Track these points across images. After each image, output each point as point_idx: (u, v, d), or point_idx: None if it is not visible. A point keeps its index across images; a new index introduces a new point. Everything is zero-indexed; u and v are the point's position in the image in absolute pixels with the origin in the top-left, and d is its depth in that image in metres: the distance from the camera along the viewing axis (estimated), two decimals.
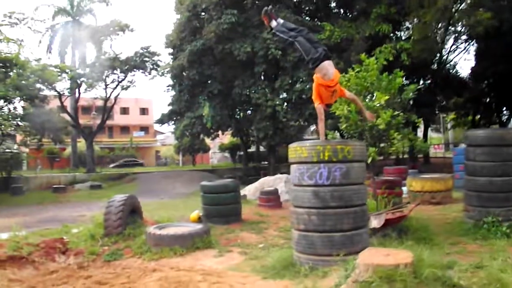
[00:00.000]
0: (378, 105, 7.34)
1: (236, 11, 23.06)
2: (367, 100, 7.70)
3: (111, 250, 7.53)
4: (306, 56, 5.57)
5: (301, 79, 23.49)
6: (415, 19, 19.30)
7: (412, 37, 20.65)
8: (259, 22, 23.68)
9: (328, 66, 5.47)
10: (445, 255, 6.00)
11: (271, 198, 13.41)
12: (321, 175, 5.16)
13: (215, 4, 23.37)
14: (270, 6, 5.98)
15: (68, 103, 32.79)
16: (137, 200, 9.13)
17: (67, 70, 28.66)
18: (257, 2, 23.74)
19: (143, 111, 60.60)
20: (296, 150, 5.42)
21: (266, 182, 17.89)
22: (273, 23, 5.88)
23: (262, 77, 25.06)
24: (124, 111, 56.46)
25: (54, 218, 14.48)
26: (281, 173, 21.89)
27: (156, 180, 27.96)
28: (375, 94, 7.52)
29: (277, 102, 23.53)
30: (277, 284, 5.05)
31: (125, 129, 57.95)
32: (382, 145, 7.84)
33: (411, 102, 8.38)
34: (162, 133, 62.94)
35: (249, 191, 16.86)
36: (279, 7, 23.40)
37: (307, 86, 22.79)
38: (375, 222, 6.58)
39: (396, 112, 7.36)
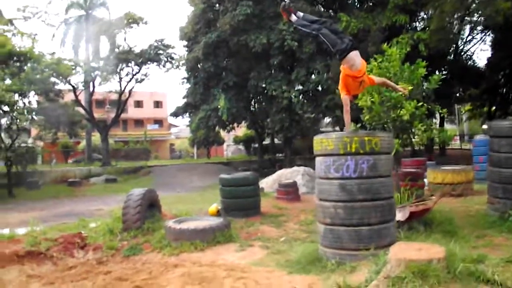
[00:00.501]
0: (401, 95, 7.19)
1: (251, 2, 22.87)
2: (388, 91, 7.53)
3: (130, 245, 7.50)
4: (332, 48, 5.42)
5: (317, 71, 23.30)
6: (432, 9, 18.90)
7: (429, 28, 20.29)
8: (274, 13, 23.53)
9: (355, 56, 5.34)
10: (472, 248, 5.88)
11: (290, 191, 13.30)
12: (348, 167, 5.06)
13: None
14: (287, 0, 5.79)
15: (82, 97, 32.95)
16: (155, 194, 9.11)
17: (81, 64, 28.78)
18: None
19: (157, 104, 60.73)
20: (322, 142, 5.31)
21: (284, 175, 17.80)
22: (293, 18, 5.70)
23: (278, 69, 24.85)
24: (138, 104, 56.66)
25: (70, 212, 14.59)
26: (297, 165, 21.83)
27: (172, 173, 28.00)
28: (398, 84, 7.35)
29: (293, 94, 23.38)
30: (304, 279, 4.95)
31: (139, 122, 58.17)
32: (405, 136, 7.71)
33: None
34: (176, 126, 63.05)
35: (267, 183, 16.79)
36: None
37: (324, 78, 22.62)
38: (399, 215, 6.47)
39: (420, 103, 7.21)
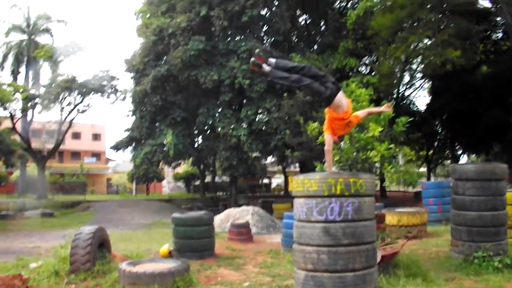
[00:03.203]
0: (371, 136, 7.14)
1: (204, 38, 22.83)
2: (357, 132, 7.47)
3: None
4: (317, 97, 5.18)
5: (266, 110, 23.39)
6: (382, 55, 19.72)
7: (375, 72, 21.12)
8: (226, 50, 23.60)
9: (341, 99, 5.13)
10: None
11: (243, 231, 12.93)
12: (332, 210, 4.78)
13: (183, 30, 23.06)
14: (257, 50, 5.32)
15: (19, 124, 31.09)
16: (105, 233, 8.40)
17: (20, 90, 27.26)
18: (225, 29, 23.61)
19: (96, 137, 58.68)
20: (303, 183, 5.02)
21: (232, 214, 17.37)
22: (266, 68, 5.23)
23: (227, 106, 24.72)
24: (76, 136, 54.42)
25: (5, 249, 13.24)
26: (240, 205, 21.48)
27: (112, 209, 26.69)
28: (368, 126, 7.30)
29: (242, 133, 23.21)
30: None
31: (76, 155, 55.74)
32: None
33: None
34: (114, 160, 61.04)
35: (215, 223, 16.25)
36: (246, 36, 23.45)
37: (273, 117, 22.70)
38: None
39: (390, 145, 7.18)
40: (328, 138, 5.22)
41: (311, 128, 7.96)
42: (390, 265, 6.83)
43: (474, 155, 36.47)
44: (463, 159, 37.35)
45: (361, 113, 5.85)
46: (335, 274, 4.73)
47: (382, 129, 7.17)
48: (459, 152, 35.60)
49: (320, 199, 4.85)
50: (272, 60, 5.18)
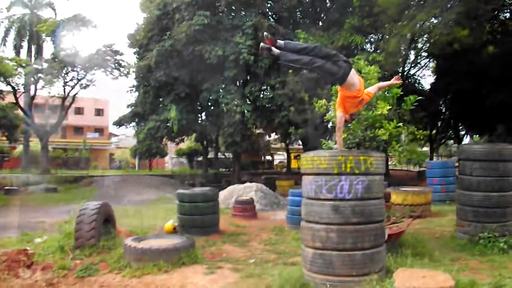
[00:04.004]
0: (379, 114, 7.05)
1: (209, 13, 22.47)
2: (366, 110, 7.38)
3: (84, 265, 6.76)
4: (331, 77, 5.06)
5: (271, 86, 23.19)
6: (388, 32, 19.41)
7: (383, 50, 20.82)
8: (231, 25, 23.26)
9: (353, 77, 5.03)
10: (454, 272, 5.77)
11: (247, 208, 12.95)
12: (342, 188, 4.75)
13: (187, 4, 22.68)
14: (265, 33, 5.11)
15: (21, 99, 30.99)
16: (110, 208, 8.42)
17: (23, 64, 27.05)
18: (230, 4, 23.26)
19: (99, 112, 58.51)
20: (313, 160, 4.97)
21: (236, 191, 17.38)
22: (275, 51, 5.08)
23: (232, 82, 24.49)
24: (79, 111, 54.32)
25: (10, 224, 13.29)
26: (243, 182, 21.48)
27: (116, 185, 26.74)
28: (376, 104, 7.20)
29: (246, 109, 23.07)
30: None
31: (79, 130, 55.72)
32: None
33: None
34: (117, 135, 60.95)
35: (219, 199, 16.32)
36: (251, 11, 23.10)
37: (278, 94, 22.52)
38: None
39: (399, 124, 7.10)
40: (339, 116, 5.14)
41: (319, 105, 7.87)
42: (396, 244, 6.83)
43: (477, 135, 36.27)
44: (466, 139, 37.24)
45: (372, 89, 5.77)
46: (344, 253, 4.73)
47: (390, 107, 7.06)
48: (462, 133, 35.42)
49: (330, 177, 4.82)
50: (281, 42, 5.03)
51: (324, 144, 7.82)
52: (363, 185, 4.78)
